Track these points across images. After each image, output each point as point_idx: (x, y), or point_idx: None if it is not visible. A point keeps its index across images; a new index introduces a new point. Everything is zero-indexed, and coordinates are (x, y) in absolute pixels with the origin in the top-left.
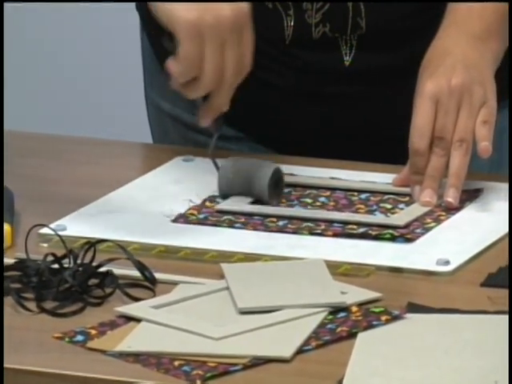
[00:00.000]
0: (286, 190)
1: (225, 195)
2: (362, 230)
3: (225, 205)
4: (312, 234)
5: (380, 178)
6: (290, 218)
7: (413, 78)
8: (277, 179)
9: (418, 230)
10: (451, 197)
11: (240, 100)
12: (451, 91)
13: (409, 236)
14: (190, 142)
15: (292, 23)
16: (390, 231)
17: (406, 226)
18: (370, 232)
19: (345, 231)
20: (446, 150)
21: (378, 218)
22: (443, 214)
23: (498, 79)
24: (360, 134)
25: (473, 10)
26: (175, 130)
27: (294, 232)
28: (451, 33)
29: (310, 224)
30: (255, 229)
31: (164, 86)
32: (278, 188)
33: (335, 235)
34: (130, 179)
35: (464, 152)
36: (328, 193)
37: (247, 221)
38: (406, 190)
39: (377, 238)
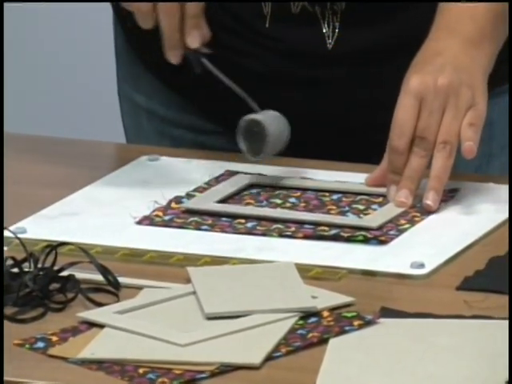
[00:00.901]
0: (255, 191)
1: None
2: (333, 231)
3: (191, 204)
4: (282, 236)
5: (354, 178)
6: (259, 219)
7: (399, 59)
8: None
9: (392, 232)
10: (431, 200)
11: (216, 92)
12: (437, 91)
13: (382, 238)
14: (166, 137)
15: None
16: (363, 233)
17: (380, 228)
18: (342, 234)
19: (316, 233)
20: (427, 151)
21: (351, 219)
22: (418, 215)
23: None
24: (341, 122)
25: (464, 12)
26: (150, 125)
27: (263, 234)
28: (443, 35)
29: (279, 226)
30: (223, 231)
31: (138, 78)
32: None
33: (306, 237)
34: (93, 179)
35: (447, 154)
36: (298, 193)
37: (214, 222)
38: (380, 190)
39: (349, 240)
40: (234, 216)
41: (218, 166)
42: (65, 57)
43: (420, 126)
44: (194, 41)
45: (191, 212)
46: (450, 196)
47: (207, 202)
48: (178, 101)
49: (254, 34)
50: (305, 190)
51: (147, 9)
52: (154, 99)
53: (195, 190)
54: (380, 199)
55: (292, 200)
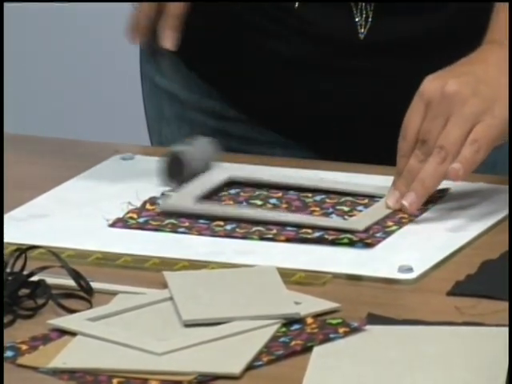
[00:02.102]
0: (234, 191)
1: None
2: (317, 234)
3: (167, 205)
4: (263, 239)
5: (357, 179)
6: (239, 221)
7: (431, 55)
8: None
9: (379, 235)
10: (407, 201)
11: (240, 77)
12: (443, 96)
13: (368, 241)
14: (186, 121)
15: None
16: (348, 235)
17: (366, 230)
18: (326, 237)
19: (298, 236)
20: (426, 155)
21: (335, 221)
22: (405, 216)
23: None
24: (365, 116)
25: None
26: (171, 109)
27: (243, 237)
28: (491, 48)
29: (260, 228)
30: (201, 233)
31: (160, 59)
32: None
33: (288, 240)
34: (64, 179)
35: (440, 160)
36: (280, 194)
37: (192, 225)
38: (365, 190)
39: (334, 243)
40: (212, 218)
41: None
42: (46, 55)
43: (423, 128)
44: (168, 42)
45: (167, 213)
46: (438, 196)
47: (184, 201)
48: (201, 85)
49: (281, 13)
50: (287, 189)
51: None
52: (175, 82)
53: (171, 190)
54: (366, 200)
55: (273, 201)
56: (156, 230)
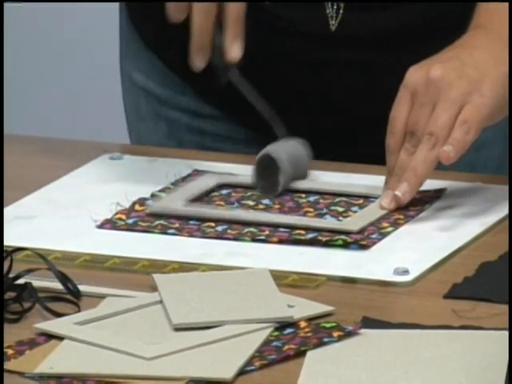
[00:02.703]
0: (225, 192)
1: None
2: (310, 235)
3: (156, 207)
4: (255, 240)
5: (339, 179)
6: (230, 223)
7: (406, 46)
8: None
9: (374, 236)
10: (400, 191)
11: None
12: (428, 83)
13: (363, 242)
14: (162, 119)
15: None
16: (343, 237)
17: (361, 232)
18: (320, 238)
19: (291, 237)
20: (416, 148)
21: (329, 222)
22: (401, 217)
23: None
24: (340, 109)
25: (503, 13)
26: (148, 106)
27: (235, 238)
28: (478, 33)
29: (252, 229)
30: (191, 235)
31: (138, 56)
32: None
33: (281, 241)
34: (51, 180)
35: (430, 146)
36: None
37: (182, 226)
38: (360, 191)
39: (327, 244)
40: (202, 219)
41: (184, 165)
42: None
43: (410, 120)
44: (236, 54)
45: (157, 215)
46: (435, 197)
47: (174, 203)
48: (176, 81)
49: (253, 10)
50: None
51: None
52: (152, 78)
53: (161, 190)
54: (360, 201)
55: (265, 202)
56: (145, 231)
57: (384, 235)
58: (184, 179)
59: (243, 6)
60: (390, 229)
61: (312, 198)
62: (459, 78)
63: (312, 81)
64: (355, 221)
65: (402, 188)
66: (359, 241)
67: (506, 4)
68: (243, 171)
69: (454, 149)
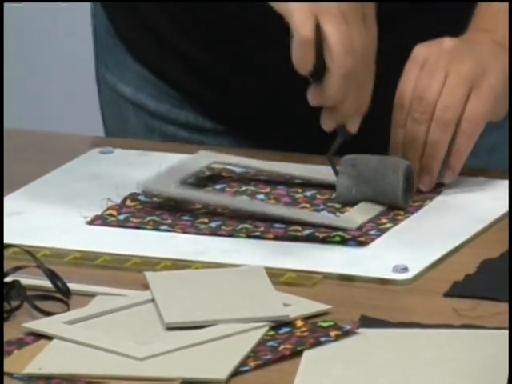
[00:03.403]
0: (219, 186)
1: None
2: (307, 232)
3: (149, 187)
4: (250, 237)
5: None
6: (224, 218)
7: (402, 64)
8: (408, 179)
9: (372, 232)
10: (425, 186)
11: (216, 85)
12: (440, 52)
13: (362, 239)
14: (156, 132)
15: None
16: (340, 233)
17: (359, 228)
18: (317, 234)
19: (287, 233)
20: (425, 114)
21: (326, 217)
22: (401, 213)
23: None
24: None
25: (498, 16)
26: (138, 119)
27: (230, 235)
28: (474, 34)
29: (247, 225)
30: (184, 231)
31: (124, 67)
32: (410, 187)
33: (277, 238)
34: (39, 175)
35: (444, 125)
36: (268, 189)
37: (175, 222)
38: None
39: (325, 241)
40: (195, 209)
41: (176, 160)
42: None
43: (419, 85)
44: (355, 127)
45: (148, 210)
46: (435, 192)
47: (166, 185)
48: (171, 94)
49: (253, 21)
50: (276, 182)
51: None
52: (142, 91)
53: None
54: None
55: (261, 197)
56: (137, 227)
57: (383, 231)
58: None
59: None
60: (388, 225)
61: (309, 193)
62: (469, 55)
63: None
64: (353, 217)
65: (426, 182)
66: (357, 237)
67: (506, 6)
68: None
69: (455, 169)
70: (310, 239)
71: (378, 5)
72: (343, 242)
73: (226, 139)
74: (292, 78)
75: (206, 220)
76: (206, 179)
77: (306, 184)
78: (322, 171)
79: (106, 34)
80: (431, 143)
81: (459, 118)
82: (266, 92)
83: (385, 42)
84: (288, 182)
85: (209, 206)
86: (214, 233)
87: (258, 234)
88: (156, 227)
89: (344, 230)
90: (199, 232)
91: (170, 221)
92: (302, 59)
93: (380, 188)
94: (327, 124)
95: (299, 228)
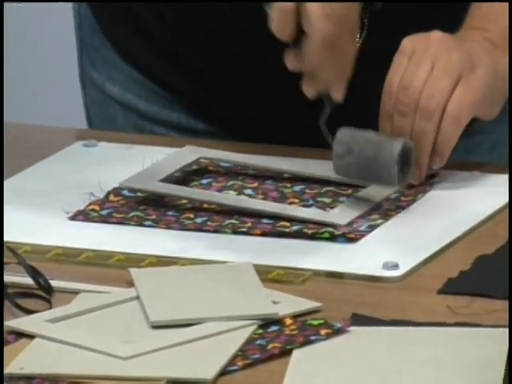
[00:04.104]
0: (205, 181)
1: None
2: (295, 227)
3: (130, 182)
4: (236, 232)
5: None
6: (210, 213)
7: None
8: (405, 157)
9: (362, 228)
10: (415, 180)
11: (207, 85)
12: (428, 44)
13: (351, 235)
14: (147, 132)
15: None
16: (329, 229)
17: (349, 224)
18: (306, 230)
19: (275, 229)
20: (411, 105)
21: (315, 213)
22: (392, 208)
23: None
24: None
25: (489, 14)
26: (126, 120)
27: (216, 231)
28: (466, 33)
29: (233, 221)
30: (169, 227)
31: (112, 66)
32: (407, 167)
33: (264, 234)
34: (20, 169)
35: (429, 114)
36: (256, 183)
37: (159, 217)
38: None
39: (313, 237)
40: (179, 205)
41: (162, 153)
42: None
43: (405, 75)
44: (339, 95)
45: (132, 205)
46: (428, 184)
47: (149, 181)
48: (162, 95)
49: (254, 23)
50: (264, 177)
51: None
52: (131, 91)
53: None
54: (349, 191)
55: (248, 192)
56: (120, 223)
57: (373, 228)
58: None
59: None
60: (379, 221)
61: (297, 188)
62: (457, 48)
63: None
64: (343, 212)
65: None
66: (347, 234)
67: (501, 6)
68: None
69: (443, 155)
70: (298, 235)
71: (381, 7)
72: (332, 238)
73: (218, 140)
74: (285, 79)
75: (192, 215)
76: (192, 173)
77: (295, 178)
78: (311, 165)
79: (92, 32)
80: (416, 134)
81: (445, 106)
82: (259, 93)
83: (382, 44)
84: (276, 176)
85: (194, 201)
86: (199, 228)
87: (244, 229)
88: (140, 223)
89: (333, 225)
90: (184, 227)
91: (154, 216)
92: (281, 26)
93: (374, 161)
94: (308, 91)
95: (287, 224)
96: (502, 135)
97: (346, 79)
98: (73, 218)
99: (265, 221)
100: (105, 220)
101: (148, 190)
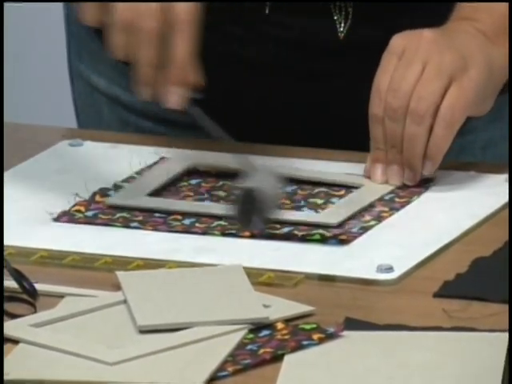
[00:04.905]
0: (195, 182)
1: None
2: (286, 229)
3: (117, 199)
4: (225, 234)
5: (334, 168)
6: (198, 215)
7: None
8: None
9: (354, 230)
10: (406, 178)
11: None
12: (419, 43)
13: (343, 237)
14: (131, 126)
15: None
16: (320, 231)
17: (340, 225)
18: (296, 232)
19: (265, 231)
20: (401, 109)
21: (306, 214)
22: (386, 209)
23: None
24: (349, 121)
25: (481, 7)
26: (112, 113)
27: (204, 232)
28: (455, 24)
29: (222, 222)
30: (156, 228)
31: (97, 58)
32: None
33: (253, 236)
34: (4, 168)
35: (419, 117)
36: None
37: (146, 219)
38: (341, 180)
39: (304, 239)
40: (167, 212)
41: (149, 152)
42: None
43: (395, 77)
44: (174, 102)
45: (117, 207)
46: (423, 187)
47: (137, 195)
48: None
49: (253, 20)
50: None
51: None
52: (116, 83)
53: (124, 180)
54: (342, 191)
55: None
56: (106, 224)
57: (366, 229)
58: (150, 168)
59: (193, 37)
60: (372, 222)
61: (289, 189)
62: (449, 48)
63: (314, 91)
64: (334, 213)
65: (406, 175)
66: (338, 235)
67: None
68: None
69: (435, 160)
70: (289, 237)
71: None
72: (323, 240)
73: (203, 135)
74: (271, 71)
75: (179, 217)
76: (181, 174)
77: (287, 179)
78: (304, 167)
79: (79, 24)
80: (407, 137)
81: (437, 109)
82: (245, 84)
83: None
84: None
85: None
86: (187, 230)
87: (233, 231)
88: (126, 224)
89: (324, 227)
90: (172, 229)
91: (140, 217)
92: (87, 13)
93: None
94: (141, 91)
95: (277, 225)
96: (494, 134)
97: (182, 78)
98: (57, 219)
99: None
100: (90, 221)
101: (137, 207)
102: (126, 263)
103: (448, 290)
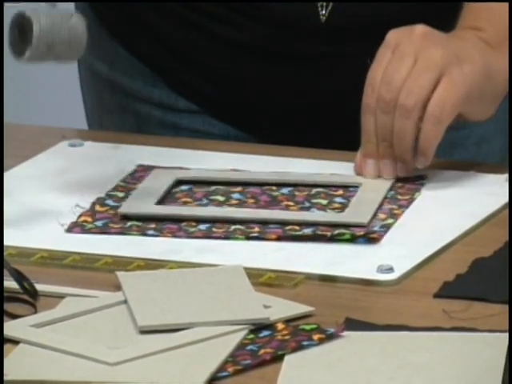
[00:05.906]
0: (186, 187)
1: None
2: (307, 230)
3: (129, 207)
4: (249, 238)
5: (323, 168)
6: (214, 221)
7: None
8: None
9: (376, 228)
10: (399, 171)
11: (190, 62)
12: (412, 38)
13: (374, 235)
14: (130, 112)
15: None
16: (347, 231)
17: (368, 224)
18: (324, 233)
19: (287, 233)
20: (392, 102)
21: (332, 215)
22: (395, 207)
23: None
24: (330, 105)
25: (483, 14)
26: (112, 98)
27: (226, 237)
28: (460, 32)
29: (239, 227)
30: (174, 235)
31: (100, 44)
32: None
33: (279, 239)
34: (4, 169)
35: (407, 112)
36: (239, 188)
37: (159, 226)
38: (335, 180)
39: (333, 239)
40: (180, 219)
41: (150, 152)
42: None
43: (388, 69)
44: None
45: (127, 217)
46: (419, 184)
47: (146, 203)
48: (146, 72)
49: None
50: (245, 184)
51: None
52: (116, 68)
53: (114, 189)
54: (340, 191)
55: (236, 196)
56: (121, 233)
57: (386, 227)
58: (132, 175)
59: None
60: (389, 220)
61: (285, 190)
62: (443, 42)
63: (299, 73)
64: (358, 213)
65: (402, 169)
66: (368, 234)
67: (496, 6)
68: (199, 159)
69: (426, 154)
70: (317, 238)
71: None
72: (353, 239)
73: (199, 119)
74: (268, 57)
75: (193, 223)
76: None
77: (279, 184)
78: (295, 171)
79: (83, 10)
80: (396, 131)
81: (427, 103)
82: (241, 70)
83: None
84: (259, 182)
85: (204, 218)
86: (207, 235)
87: (255, 234)
88: (142, 232)
89: (351, 226)
90: (191, 235)
91: (153, 225)
92: None
93: None
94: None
95: (296, 227)
96: (488, 129)
97: None
98: (68, 230)
99: (272, 225)
100: (103, 231)
101: (151, 215)
102: (126, 263)
103: (448, 291)
